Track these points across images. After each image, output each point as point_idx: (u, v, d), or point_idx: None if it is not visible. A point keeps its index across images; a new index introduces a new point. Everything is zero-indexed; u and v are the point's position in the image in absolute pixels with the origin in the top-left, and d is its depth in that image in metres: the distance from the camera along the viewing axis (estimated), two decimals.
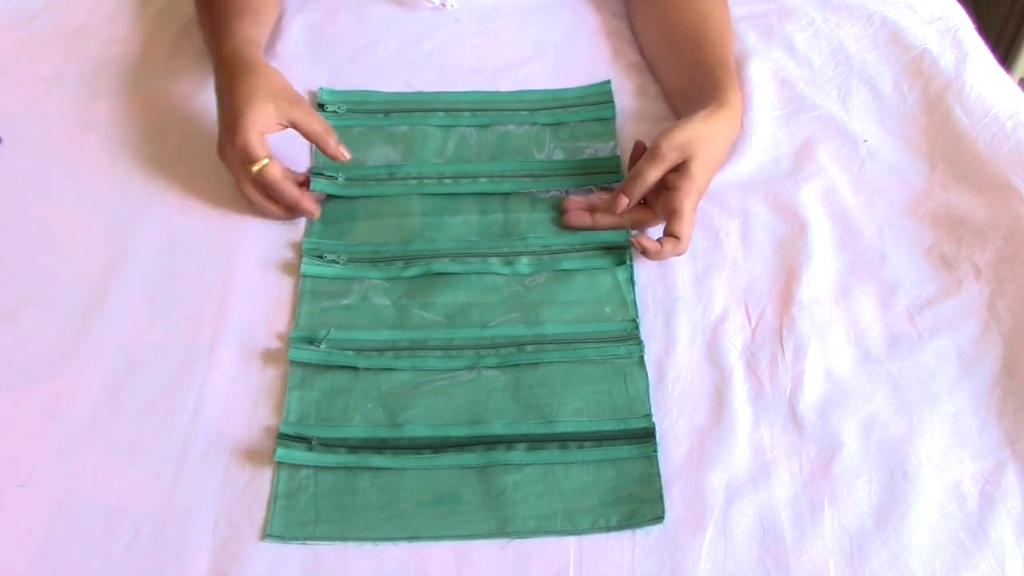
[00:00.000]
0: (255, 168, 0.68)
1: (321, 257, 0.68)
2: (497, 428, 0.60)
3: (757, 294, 0.67)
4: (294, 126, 0.70)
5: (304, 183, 0.72)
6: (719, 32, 0.78)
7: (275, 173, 0.69)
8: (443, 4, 0.88)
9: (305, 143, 0.77)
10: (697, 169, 0.67)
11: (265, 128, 0.69)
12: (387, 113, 0.79)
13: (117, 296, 0.66)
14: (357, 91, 0.81)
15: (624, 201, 0.69)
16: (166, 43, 0.86)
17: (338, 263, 0.68)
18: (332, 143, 0.71)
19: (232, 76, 0.70)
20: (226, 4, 0.78)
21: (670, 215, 0.67)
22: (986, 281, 0.67)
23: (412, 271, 0.68)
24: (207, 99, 0.81)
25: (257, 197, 0.70)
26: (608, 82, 0.82)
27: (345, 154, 0.71)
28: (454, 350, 0.64)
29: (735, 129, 0.73)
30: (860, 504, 0.56)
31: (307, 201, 0.70)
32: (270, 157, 0.69)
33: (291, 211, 0.71)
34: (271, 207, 0.70)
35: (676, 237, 0.66)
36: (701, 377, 0.63)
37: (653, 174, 0.68)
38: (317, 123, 0.70)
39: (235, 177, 0.70)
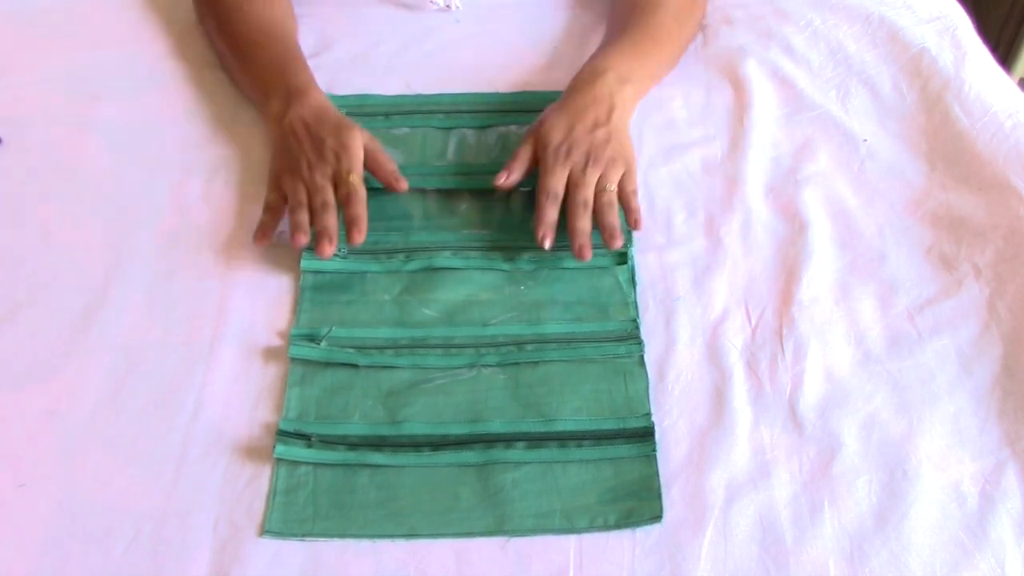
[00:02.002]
0: (352, 176, 0.68)
1: None
2: (496, 426, 0.60)
3: (757, 294, 0.67)
4: (371, 156, 0.71)
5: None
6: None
7: (364, 191, 0.69)
8: (448, 5, 0.88)
9: None
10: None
11: (359, 150, 0.70)
12: (387, 116, 0.79)
13: (117, 296, 0.66)
14: (357, 95, 0.81)
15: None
16: (166, 43, 0.86)
17: (339, 256, 0.68)
18: (402, 183, 0.71)
19: (318, 109, 0.73)
20: (271, 45, 0.79)
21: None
22: (986, 281, 0.67)
23: (413, 264, 0.68)
24: (207, 99, 0.81)
25: (330, 213, 0.67)
26: None
27: (405, 186, 0.71)
28: (454, 348, 0.64)
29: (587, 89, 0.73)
30: (860, 504, 0.56)
31: (364, 223, 0.68)
32: (359, 175, 0.69)
33: (325, 236, 0.67)
34: (333, 224, 0.67)
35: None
36: (701, 377, 0.63)
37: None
38: (389, 162, 0.72)
39: (318, 189, 0.68)
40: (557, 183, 0.68)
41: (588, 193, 0.68)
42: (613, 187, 0.69)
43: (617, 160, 0.70)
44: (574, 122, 0.71)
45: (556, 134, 0.70)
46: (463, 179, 0.74)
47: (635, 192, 0.70)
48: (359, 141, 0.70)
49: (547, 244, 0.67)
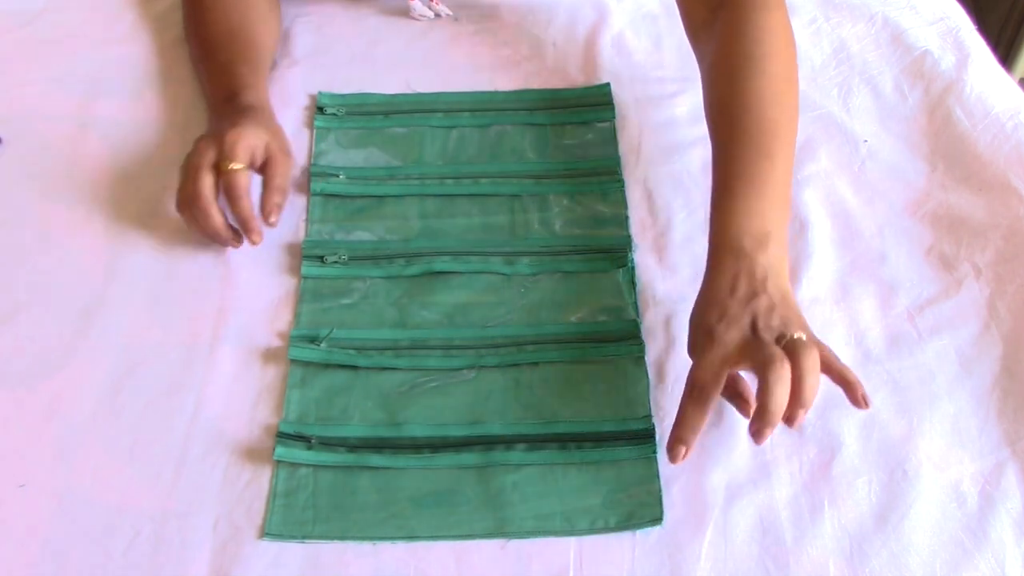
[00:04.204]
0: (231, 165, 0.67)
1: (322, 259, 0.68)
2: (496, 428, 0.60)
3: None
4: (268, 166, 0.69)
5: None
6: (754, 122, 0.63)
7: (244, 182, 0.67)
8: (437, 15, 0.88)
9: (304, 145, 0.77)
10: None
11: (256, 144, 0.68)
12: (386, 115, 0.79)
13: (117, 296, 0.66)
14: (356, 93, 0.81)
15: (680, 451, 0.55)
16: (166, 43, 0.86)
17: (339, 263, 0.68)
18: (275, 206, 0.68)
19: (237, 111, 0.71)
20: (228, 48, 0.78)
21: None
22: (986, 281, 0.67)
23: (413, 269, 0.68)
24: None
25: (204, 203, 0.66)
26: (607, 85, 0.82)
27: (259, 232, 0.67)
28: (454, 350, 0.64)
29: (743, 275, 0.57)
30: (860, 504, 0.56)
31: (255, 223, 0.67)
32: (248, 169, 0.68)
33: (228, 232, 0.67)
34: (214, 219, 0.66)
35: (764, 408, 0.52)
36: None
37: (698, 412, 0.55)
38: (284, 181, 0.70)
39: (192, 177, 0.67)
40: (703, 372, 0.55)
41: (771, 349, 0.53)
42: (800, 336, 0.54)
43: (791, 327, 0.55)
44: (724, 300, 0.56)
45: (705, 319, 0.57)
46: (462, 183, 0.74)
47: (840, 360, 0.56)
48: (242, 137, 0.68)
49: (678, 460, 0.55)
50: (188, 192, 0.67)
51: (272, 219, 0.68)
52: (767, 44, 0.66)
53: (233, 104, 0.73)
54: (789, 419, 0.52)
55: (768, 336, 0.54)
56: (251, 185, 0.68)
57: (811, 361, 0.53)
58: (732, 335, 0.55)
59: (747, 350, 0.54)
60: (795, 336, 0.54)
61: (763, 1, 0.68)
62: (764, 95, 0.64)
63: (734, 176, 0.62)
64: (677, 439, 0.55)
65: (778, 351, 0.53)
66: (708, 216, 0.71)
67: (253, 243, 0.67)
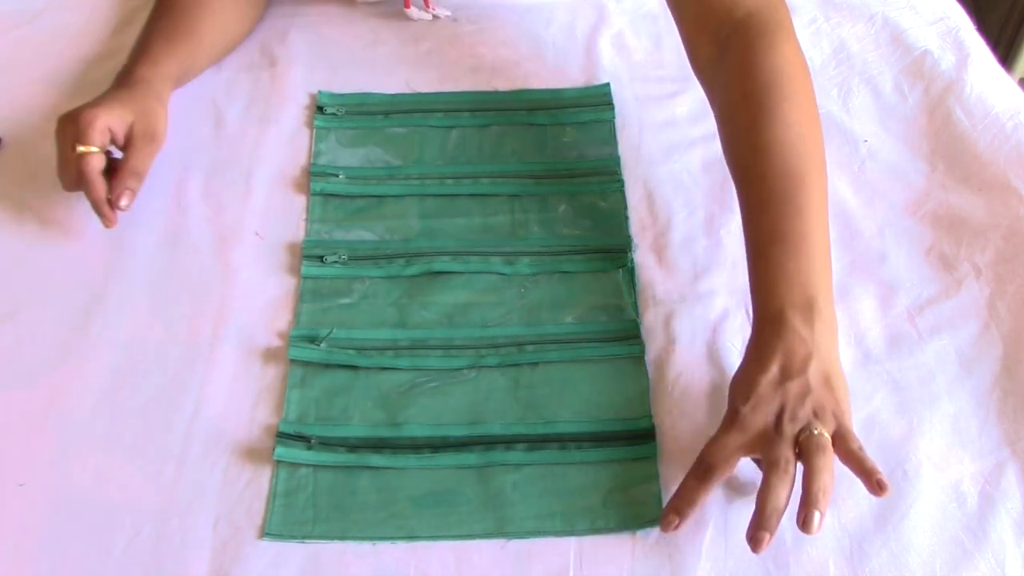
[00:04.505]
0: (81, 149, 0.66)
1: (322, 260, 0.68)
2: (496, 428, 0.60)
3: None
4: (126, 148, 0.69)
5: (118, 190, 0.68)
6: (791, 178, 0.59)
7: (94, 166, 0.67)
8: (434, 17, 0.88)
9: (304, 145, 0.77)
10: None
11: (114, 124, 0.68)
12: (386, 114, 0.79)
13: (117, 295, 0.66)
14: (356, 93, 0.81)
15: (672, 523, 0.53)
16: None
17: (339, 263, 0.68)
18: (125, 189, 0.67)
19: (117, 85, 0.71)
20: (157, 25, 0.78)
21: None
22: (986, 281, 0.67)
23: (413, 269, 0.68)
24: (207, 98, 0.81)
25: (71, 187, 0.68)
26: (607, 85, 0.82)
27: (110, 218, 0.68)
28: (454, 350, 0.64)
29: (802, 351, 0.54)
30: (860, 504, 0.56)
31: (106, 209, 0.67)
32: (103, 151, 0.68)
33: (103, 210, 0.68)
34: (88, 197, 0.67)
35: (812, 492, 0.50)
36: (701, 377, 0.62)
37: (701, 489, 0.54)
38: (140, 164, 0.69)
39: (58, 159, 0.68)
40: (716, 452, 0.53)
41: (783, 450, 0.51)
42: (820, 432, 0.52)
43: (822, 416, 0.53)
44: (757, 379, 0.54)
45: (735, 396, 0.55)
46: (462, 183, 0.74)
47: (861, 449, 0.52)
48: (99, 117, 0.67)
49: (669, 530, 0.54)
50: (58, 174, 0.68)
51: (123, 203, 0.67)
52: (782, 87, 0.61)
53: (121, 78, 0.73)
54: (803, 523, 0.50)
55: (790, 430, 0.52)
56: (103, 166, 0.68)
57: (822, 461, 0.50)
58: (755, 421, 0.53)
59: (763, 441, 0.52)
60: (815, 432, 0.51)
61: (772, 36, 0.64)
62: (785, 145, 0.59)
63: (767, 240, 0.58)
64: (673, 510, 0.53)
65: (787, 454, 0.51)
66: (708, 216, 0.72)
67: (106, 227, 0.67)
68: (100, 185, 0.67)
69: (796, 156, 0.59)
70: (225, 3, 0.81)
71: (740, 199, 0.61)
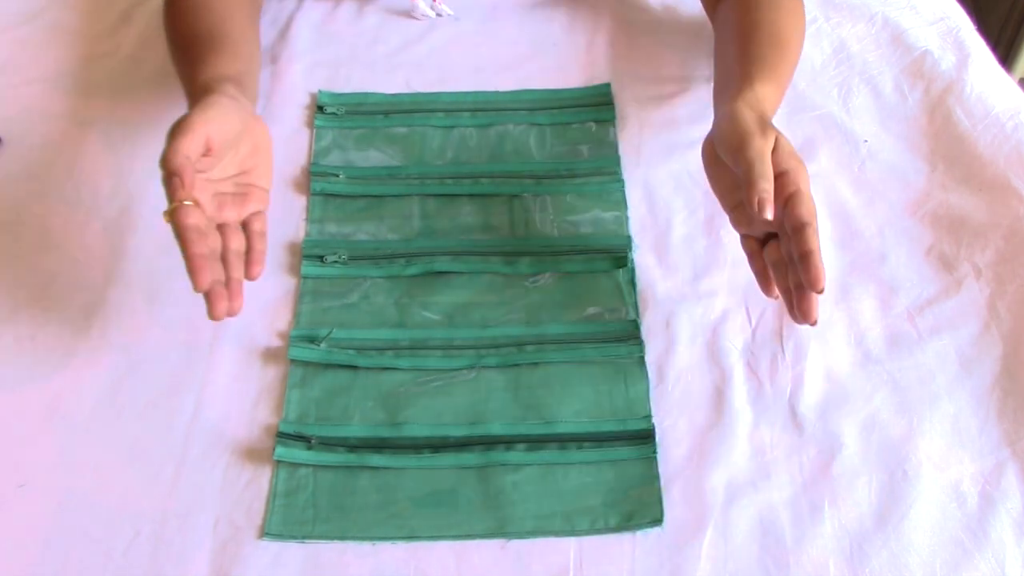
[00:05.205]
0: (174, 203, 0.54)
1: (322, 259, 0.68)
2: (496, 428, 0.60)
3: (757, 294, 0.66)
4: (249, 193, 0.61)
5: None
6: (770, 35, 0.70)
7: (196, 220, 0.55)
8: (439, 15, 0.88)
9: (304, 144, 0.77)
10: (780, 141, 0.59)
11: (217, 136, 0.57)
12: (387, 114, 0.79)
13: (117, 296, 0.66)
14: (356, 93, 0.81)
15: (767, 202, 0.56)
16: (165, 43, 0.86)
17: (339, 263, 0.68)
18: (259, 255, 0.60)
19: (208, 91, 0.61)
20: (199, 40, 0.70)
21: (789, 202, 0.56)
22: (986, 281, 0.67)
23: (413, 269, 0.68)
24: None
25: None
26: (608, 84, 0.82)
27: (257, 272, 0.60)
28: (454, 350, 0.64)
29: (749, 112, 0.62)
30: (860, 504, 0.56)
31: (218, 294, 0.55)
32: (195, 202, 0.56)
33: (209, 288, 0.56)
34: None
35: (803, 224, 0.55)
36: (701, 377, 0.62)
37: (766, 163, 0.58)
38: (263, 199, 0.62)
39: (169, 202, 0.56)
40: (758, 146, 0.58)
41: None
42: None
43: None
44: (757, 118, 0.61)
45: (742, 124, 0.60)
46: (463, 183, 0.74)
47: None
48: (186, 139, 0.55)
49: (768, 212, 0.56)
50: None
51: (256, 270, 0.59)
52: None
53: (193, 93, 0.63)
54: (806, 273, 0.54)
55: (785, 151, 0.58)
56: (204, 219, 0.57)
57: (806, 182, 0.57)
58: (769, 133, 0.59)
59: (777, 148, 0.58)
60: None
61: None
62: (779, 18, 0.72)
63: (751, 65, 0.67)
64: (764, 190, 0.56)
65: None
66: (708, 216, 0.72)
67: (212, 317, 0.55)
68: (196, 247, 0.54)
69: (786, 28, 0.72)
70: (243, 14, 0.77)
71: (728, 53, 0.71)
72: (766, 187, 0.55)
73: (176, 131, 0.56)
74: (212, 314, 0.55)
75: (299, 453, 0.58)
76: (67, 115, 0.79)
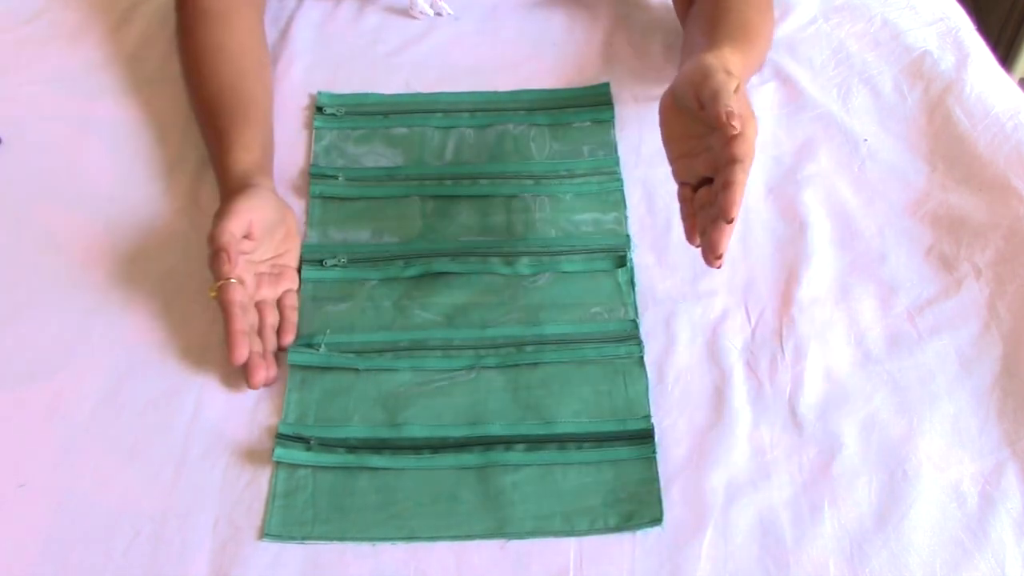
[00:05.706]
0: (221, 281, 0.61)
1: (321, 263, 0.68)
2: (496, 428, 0.60)
3: (757, 294, 0.67)
4: (280, 274, 0.66)
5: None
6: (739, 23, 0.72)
7: (240, 297, 0.61)
8: (438, 13, 0.88)
9: (303, 146, 0.77)
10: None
11: (259, 222, 0.63)
12: (386, 115, 0.79)
13: (117, 296, 0.66)
14: (355, 93, 0.81)
15: (734, 115, 0.56)
16: (166, 43, 0.86)
17: (338, 266, 0.68)
18: (291, 326, 0.64)
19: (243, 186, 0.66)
20: (223, 105, 0.73)
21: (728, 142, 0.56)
22: (986, 281, 0.67)
23: (412, 271, 0.68)
24: None
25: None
26: (607, 84, 0.82)
27: (288, 341, 0.64)
28: (454, 350, 0.64)
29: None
30: (860, 504, 0.56)
31: (255, 363, 0.60)
32: (240, 279, 0.62)
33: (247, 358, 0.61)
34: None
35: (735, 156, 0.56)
36: (701, 377, 0.62)
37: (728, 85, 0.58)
38: (293, 280, 0.67)
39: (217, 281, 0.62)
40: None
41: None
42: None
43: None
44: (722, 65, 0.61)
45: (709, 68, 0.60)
46: (462, 183, 0.74)
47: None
48: (231, 222, 0.61)
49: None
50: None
51: (288, 339, 0.64)
52: None
53: (226, 181, 0.68)
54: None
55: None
56: (247, 296, 0.63)
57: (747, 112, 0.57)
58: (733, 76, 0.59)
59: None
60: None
61: None
62: (747, 9, 0.73)
63: (719, 40, 0.67)
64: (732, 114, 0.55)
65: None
66: None
67: (252, 385, 0.60)
68: (237, 322, 0.60)
69: (755, 16, 0.73)
70: (254, 61, 0.79)
71: (697, 30, 0.73)
72: (731, 104, 0.56)
73: (223, 213, 0.62)
74: (251, 383, 0.60)
75: (298, 454, 0.58)
76: (67, 115, 0.79)
